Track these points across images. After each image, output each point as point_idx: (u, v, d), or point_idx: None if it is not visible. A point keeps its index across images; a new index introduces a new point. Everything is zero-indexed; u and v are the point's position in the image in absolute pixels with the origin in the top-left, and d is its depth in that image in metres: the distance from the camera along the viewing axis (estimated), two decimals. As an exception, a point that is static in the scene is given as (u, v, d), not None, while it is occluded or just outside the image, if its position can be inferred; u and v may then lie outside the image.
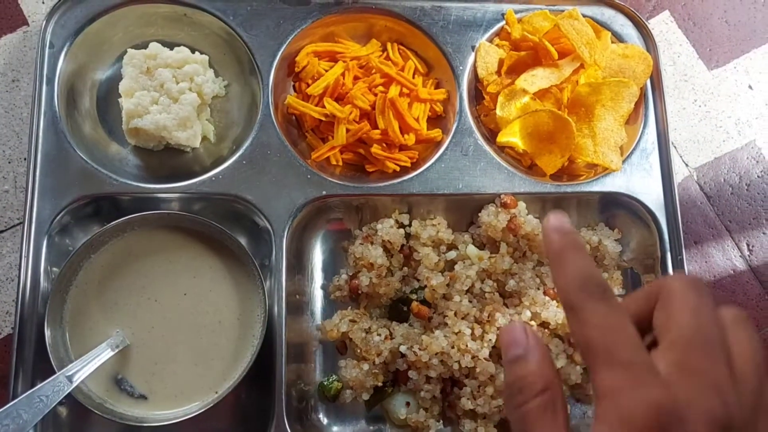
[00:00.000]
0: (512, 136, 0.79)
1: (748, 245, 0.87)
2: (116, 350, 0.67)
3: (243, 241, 0.73)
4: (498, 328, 0.72)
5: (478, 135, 0.80)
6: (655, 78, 0.85)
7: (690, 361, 0.37)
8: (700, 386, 0.36)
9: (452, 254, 0.77)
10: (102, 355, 0.66)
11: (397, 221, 0.79)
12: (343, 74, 0.79)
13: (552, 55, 0.80)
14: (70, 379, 0.63)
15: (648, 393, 0.35)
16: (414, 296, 0.76)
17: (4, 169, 0.78)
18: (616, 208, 0.82)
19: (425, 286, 0.75)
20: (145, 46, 0.76)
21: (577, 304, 0.39)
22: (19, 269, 0.70)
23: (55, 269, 0.71)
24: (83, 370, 0.64)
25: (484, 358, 0.71)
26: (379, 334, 0.73)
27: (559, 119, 0.78)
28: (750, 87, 0.92)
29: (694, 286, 0.39)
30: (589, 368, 0.37)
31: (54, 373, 0.63)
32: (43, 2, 0.83)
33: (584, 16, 0.83)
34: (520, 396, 0.39)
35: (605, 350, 0.37)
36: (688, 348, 0.37)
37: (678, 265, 0.79)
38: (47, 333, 0.66)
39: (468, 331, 0.72)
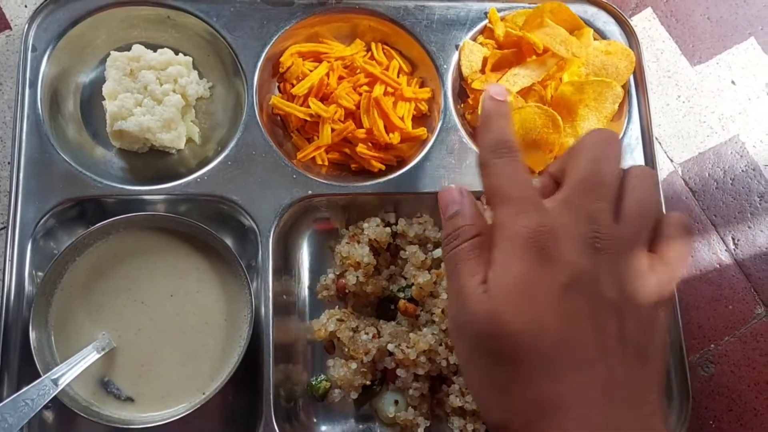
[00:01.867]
0: (498, 136, 0.80)
1: (733, 239, 0.87)
2: (102, 353, 0.67)
3: (229, 241, 0.73)
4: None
5: (463, 133, 0.80)
6: (638, 74, 0.85)
7: (574, 197, 0.44)
8: (578, 216, 0.43)
9: (439, 252, 0.77)
10: (88, 357, 0.66)
11: (383, 220, 0.79)
12: (327, 74, 0.79)
13: (537, 47, 0.80)
14: (55, 382, 0.63)
15: (530, 218, 0.42)
16: (401, 294, 0.77)
17: (-13, 173, 0.77)
18: (602, 204, 0.82)
19: (412, 284, 0.75)
20: (128, 48, 0.76)
21: (489, 161, 0.45)
22: (3, 273, 0.69)
23: (40, 273, 0.71)
24: (69, 373, 0.64)
25: (472, 355, 0.71)
26: (366, 333, 0.73)
27: (546, 114, 0.78)
28: (733, 82, 0.93)
29: (601, 139, 0.46)
30: (495, 213, 0.44)
31: (39, 376, 0.63)
32: (25, 6, 0.82)
33: (567, 13, 0.84)
34: (455, 242, 0.45)
35: (503, 192, 0.44)
36: (576, 188, 0.44)
37: (663, 259, 0.79)
38: (32, 336, 0.65)
39: (455, 329, 0.72)
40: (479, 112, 0.49)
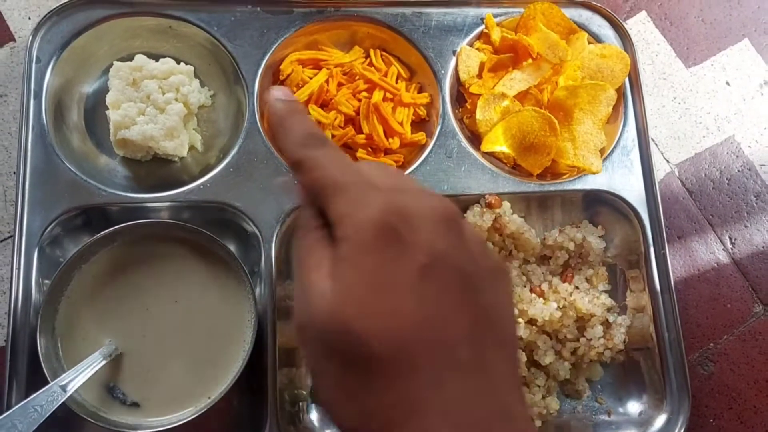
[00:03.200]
0: (497, 144, 0.81)
1: (730, 239, 0.88)
2: (108, 359, 0.68)
3: (232, 247, 0.74)
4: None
5: (461, 137, 0.81)
6: (633, 77, 0.86)
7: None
8: (424, 194, 0.40)
9: (439, 255, 0.78)
10: (95, 364, 0.67)
11: (384, 224, 0.79)
12: (327, 81, 0.81)
13: (532, 50, 0.81)
14: (63, 388, 0.63)
15: (375, 200, 0.38)
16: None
17: (-7, 183, 0.78)
18: (600, 206, 0.83)
19: (413, 287, 0.76)
20: (130, 58, 0.77)
21: (301, 157, 0.41)
22: (11, 282, 0.70)
23: (46, 281, 0.72)
24: (76, 379, 0.65)
25: (473, 356, 0.72)
26: (369, 336, 0.74)
27: (543, 118, 0.79)
28: (727, 83, 0.94)
29: None
30: (324, 208, 0.39)
31: (47, 383, 0.64)
32: (29, 18, 0.84)
33: (562, 18, 0.85)
34: (301, 232, 0.41)
35: (333, 182, 0.39)
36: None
37: (661, 259, 0.80)
38: (40, 344, 0.66)
39: (456, 330, 0.73)
40: (267, 118, 0.46)
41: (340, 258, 0.37)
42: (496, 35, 0.84)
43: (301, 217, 0.42)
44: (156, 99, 0.75)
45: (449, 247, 0.38)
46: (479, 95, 0.82)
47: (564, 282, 0.79)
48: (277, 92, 0.46)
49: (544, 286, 0.78)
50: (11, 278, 0.70)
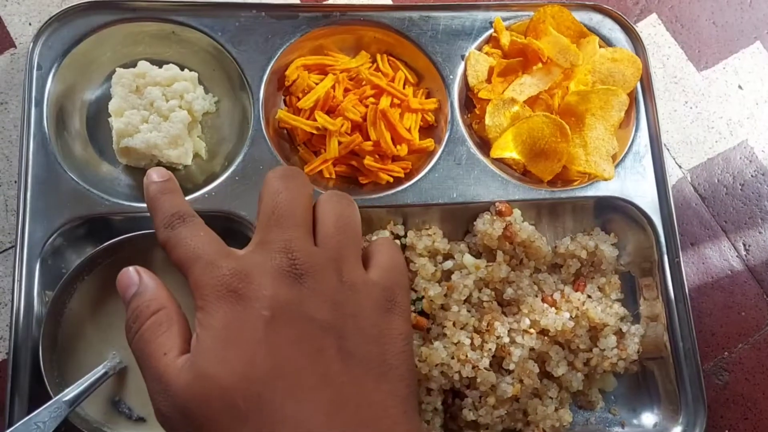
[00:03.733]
0: (507, 150, 0.80)
1: (744, 245, 0.87)
2: (113, 372, 0.67)
3: (238, 257, 0.72)
4: (497, 337, 0.72)
5: (470, 143, 0.80)
6: (645, 81, 0.85)
7: (265, 235, 0.44)
8: (270, 251, 0.42)
9: (449, 264, 0.77)
10: (99, 378, 0.65)
11: (392, 232, 0.78)
12: (333, 87, 0.79)
13: (542, 53, 0.80)
14: (67, 403, 0.62)
15: (219, 268, 0.41)
16: (411, 308, 0.76)
17: (-6, 192, 0.77)
18: (612, 212, 0.82)
19: (423, 297, 0.74)
20: (133, 65, 0.76)
21: (167, 237, 0.46)
22: (12, 293, 0.69)
23: (48, 292, 0.70)
24: (80, 394, 0.63)
25: (485, 368, 0.71)
26: (378, 347, 0.73)
27: (554, 123, 0.78)
28: (740, 87, 0.92)
29: (277, 175, 0.48)
30: (189, 282, 0.43)
31: (50, 398, 0.62)
32: (29, 24, 0.82)
33: (572, 21, 0.84)
34: (136, 323, 0.44)
35: (188, 256, 0.44)
36: (265, 225, 0.44)
37: (675, 267, 0.79)
38: (42, 357, 0.65)
39: (467, 341, 0.72)
40: (146, 200, 0.51)
41: (198, 326, 0.41)
42: (505, 39, 0.83)
43: (129, 310, 0.44)
44: (159, 106, 0.74)
45: (296, 299, 0.41)
46: (488, 100, 0.80)
47: (576, 291, 0.78)
48: (153, 174, 0.52)
49: (556, 296, 0.77)
50: (12, 290, 0.69)
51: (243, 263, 0.42)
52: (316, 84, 0.79)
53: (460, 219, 0.80)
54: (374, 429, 0.39)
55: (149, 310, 0.43)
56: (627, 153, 0.82)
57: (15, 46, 0.81)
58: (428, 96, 0.84)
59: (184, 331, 0.44)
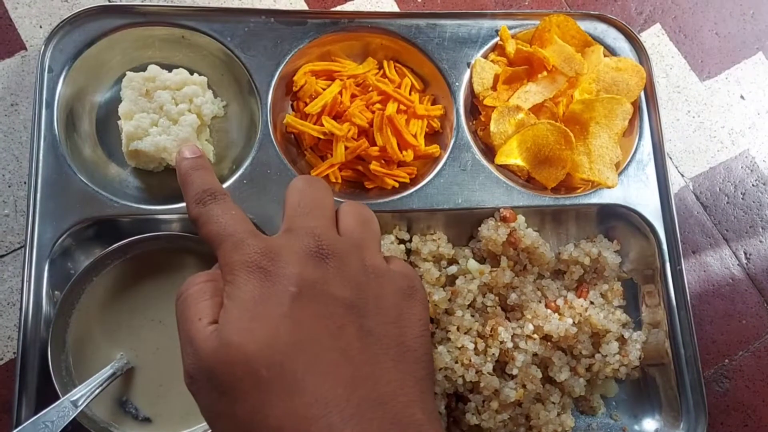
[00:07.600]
0: (511, 157, 0.80)
1: (745, 254, 0.88)
2: (121, 373, 0.67)
3: (245, 260, 0.73)
4: (501, 342, 0.73)
5: (475, 150, 0.81)
6: (649, 90, 0.86)
7: (294, 222, 0.46)
8: (298, 235, 0.45)
9: (453, 269, 0.77)
10: (106, 378, 0.66)
11: (397, 237, 0.79)
12: (340, 92, 0.80)
13: (547, 62, 0.81)
14: (74, 403, 0.63)
15: (248, 246, 0.43)
16: (416, 312, 0.77)
17: (4, 193, 0.78)
18: (615, 220, 0.83)
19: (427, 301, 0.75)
20: (143, 68, 0.77)
21: (198, 213, 0.47)
22: (21, 293, 0.69)
23: (57, 293, 0.71)
24: (88, 394, 0.64)
25: (488, 373, 0.71)
26: (382, 351, 0.73)
27: (558, 131, 0.79)
28: (742, 97, 0.93)
29: (305, 180, 0.50)
30: (218, 257, 0.45)
31: (58, 398, 0.63)
32: (40, 27, 0.83)
33: (577, 30, 0.85)
34: (182, 289, 0.45)
35: (218, 234, 0.45)
36: (294, 215, 0.47)
37: (677, 275, 0.79)
38: (50, 357, 0.65)
39: (471, 346, 0.72)
40: (178, 176, 0.52)
41: (226, 299, 0.42)
42: (510, 47, 0.84)
43: (188, 278, 0.46)
44: (169, 110, 0.75)
45: (321, 277, 0.43)
46: (493, 108, 0.81)
47: (579, 297, 0.78)
48: (185, 150, 0.53)
49: (559, 302, 0.77)
50: (22, 290, 0.70)
51: (272, 243, 0.44)
52: (324, 89, 0.80)
53: (465, 224, 0.81)
54: (390, 406, 0.40)
55: (198, 279, 0.45)
56: (630, 161, 0.83)
57: (26, 49, 0.82)
58: (434, 102, 0.84)
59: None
